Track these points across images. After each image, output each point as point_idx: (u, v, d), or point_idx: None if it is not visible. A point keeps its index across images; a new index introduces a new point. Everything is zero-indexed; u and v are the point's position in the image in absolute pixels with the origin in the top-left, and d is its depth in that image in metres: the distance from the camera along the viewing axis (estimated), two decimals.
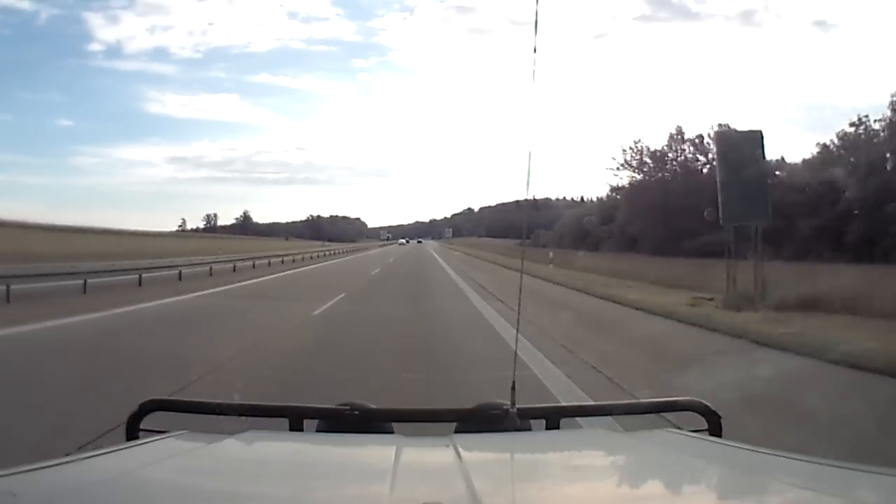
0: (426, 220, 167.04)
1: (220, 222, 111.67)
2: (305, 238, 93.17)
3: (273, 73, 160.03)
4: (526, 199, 1.64)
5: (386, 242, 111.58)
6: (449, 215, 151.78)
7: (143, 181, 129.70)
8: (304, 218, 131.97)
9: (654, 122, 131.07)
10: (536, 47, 1.37)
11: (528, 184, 1.47)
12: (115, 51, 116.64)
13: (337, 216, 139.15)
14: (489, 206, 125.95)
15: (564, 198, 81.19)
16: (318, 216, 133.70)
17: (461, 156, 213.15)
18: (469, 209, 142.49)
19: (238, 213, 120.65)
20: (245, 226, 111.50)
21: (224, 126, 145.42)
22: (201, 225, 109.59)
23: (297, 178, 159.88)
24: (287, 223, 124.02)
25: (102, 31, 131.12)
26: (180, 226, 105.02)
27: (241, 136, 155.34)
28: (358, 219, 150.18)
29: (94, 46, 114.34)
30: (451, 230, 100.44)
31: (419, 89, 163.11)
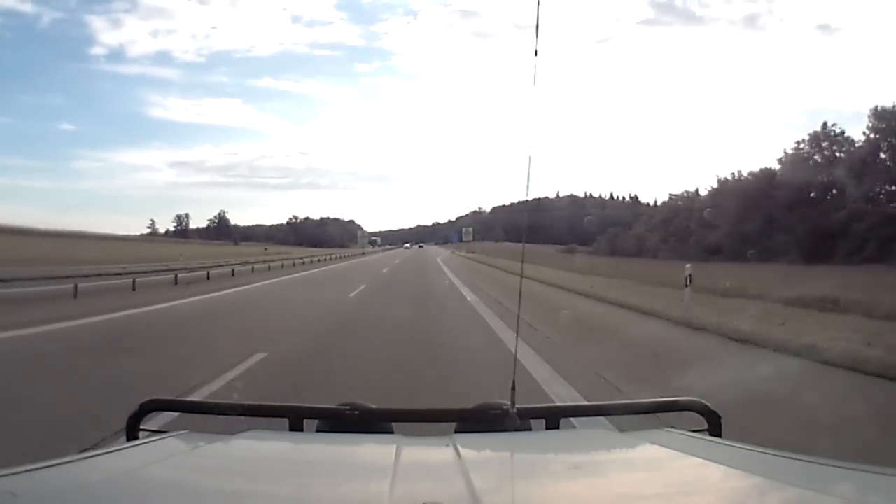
0: (428, 223, 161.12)
1: (195, 224, 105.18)
2: (289, 243, 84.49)
3: (276, 77, 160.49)
4: (526, 200, 1.65)
5: (374, 249, 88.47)
6: (454, 217, 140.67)
7: (145, 185, 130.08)
8: (293, 219, 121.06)
9: (658, 123, 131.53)
10: (538, 50, 1.36)
11: (527, 186, 1.47)
12: (117, 54, 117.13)
13: (327, 218, 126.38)
14: (503, 206, 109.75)
15: (591, 195, 78.41)
16: (305, 218, 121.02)
17: (467, 157, 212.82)
18: (478, 210, 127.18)
19: (211, 214, 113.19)
20: (219, 228, 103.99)
21: (226, 130, 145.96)
22: (172, 227, 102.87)
23: (300, 182, 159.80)
24: (271, 226, 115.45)
25: (105, 34, 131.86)
26: (149, 227, 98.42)
27: (244, 140, 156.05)
28: (352, 221, 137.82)
29: (97, 50, 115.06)
30: (470, 230, 68.36)
31: (422, 93, 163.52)
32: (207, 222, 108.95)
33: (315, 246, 76.35)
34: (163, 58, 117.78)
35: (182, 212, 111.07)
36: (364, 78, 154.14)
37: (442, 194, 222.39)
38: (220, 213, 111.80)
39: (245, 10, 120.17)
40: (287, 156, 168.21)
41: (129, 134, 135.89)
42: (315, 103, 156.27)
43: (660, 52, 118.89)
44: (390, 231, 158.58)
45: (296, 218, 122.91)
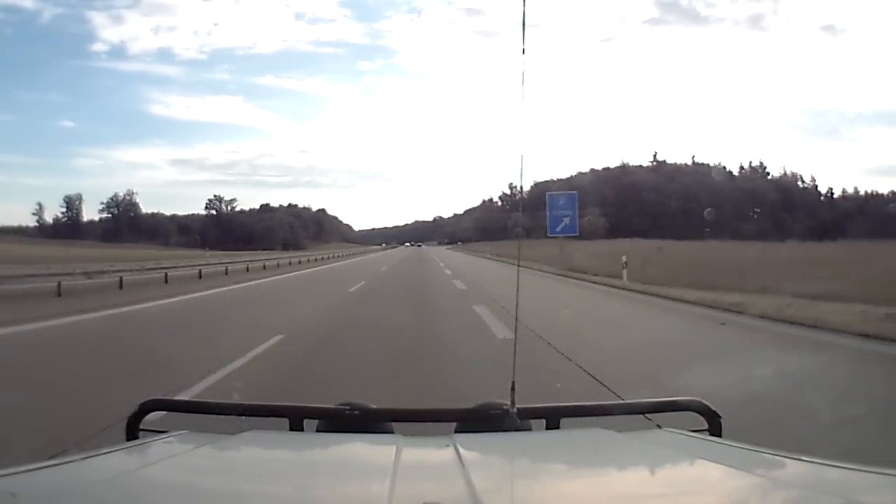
0: (429, 218, 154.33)
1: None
2: (208, 242, 54.86)
3: (278, 75, 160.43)
4: (521, 195, 1.63)
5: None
6: (461, 211, 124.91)
7: (145, 184, 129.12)
8: (214, 203, 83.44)
9: (659, 123, 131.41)
10: (525, 49, 1.36)
11: (521, 187, 1.44)
12: (118, 51, 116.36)
13: (270, 206, 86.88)
14: (560, 180, 73.81)
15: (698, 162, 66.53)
16: (233, 204, 79.01)
17: (469, 155, 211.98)
18: (510, 189, 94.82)
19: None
20: (119, 219, 74.19)
21: (227, 128, 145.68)
22: (61, 213, 75.50)
23: (300, 181, 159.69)
24: (207, 215, 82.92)
25: (106, 30, 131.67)
26: (35, 213, 76.86)
27: (245, 138, 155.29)
28: (322, 210, 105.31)
29: (98, 47, 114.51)
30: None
31: (425, 91, 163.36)
32: (101, 206, 78.02)
33: (246, 246, 51.86)
34: (164, 55, 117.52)
35: (74, 192, 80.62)
36: (366, 76, 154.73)
37: (443, 191, 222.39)
38: (122, 197, 75.96)
39: (248, 7, 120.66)
40: (287, 154, 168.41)
41: (130, 131, 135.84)
42: (316, 101, 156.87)
43: (663, 50, 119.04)
44: (385, 229, 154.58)
45: (219, 200, 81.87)
